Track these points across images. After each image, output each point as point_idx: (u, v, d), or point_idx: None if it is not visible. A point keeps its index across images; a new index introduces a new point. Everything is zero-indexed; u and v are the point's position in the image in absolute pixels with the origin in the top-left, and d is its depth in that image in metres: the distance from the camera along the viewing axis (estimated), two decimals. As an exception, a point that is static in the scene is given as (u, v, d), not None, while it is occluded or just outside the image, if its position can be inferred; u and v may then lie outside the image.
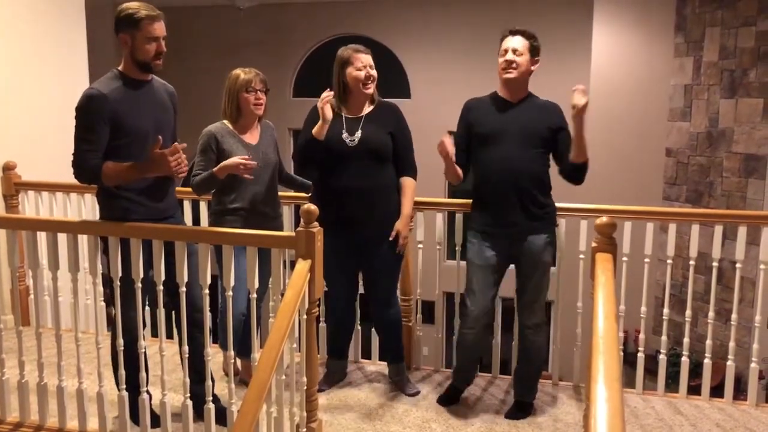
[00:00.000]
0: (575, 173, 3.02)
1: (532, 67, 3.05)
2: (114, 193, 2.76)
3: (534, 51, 3.05)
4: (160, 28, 2.69)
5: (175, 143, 2.64)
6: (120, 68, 2.75)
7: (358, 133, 3.15)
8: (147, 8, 2.68)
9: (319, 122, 3.07)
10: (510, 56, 3.01)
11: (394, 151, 3.21)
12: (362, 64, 3.16)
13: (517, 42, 3.02)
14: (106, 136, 2.66)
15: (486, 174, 3.09)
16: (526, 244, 3.06)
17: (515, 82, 3.05)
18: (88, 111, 2.64)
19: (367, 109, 3.24)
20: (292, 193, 3.64)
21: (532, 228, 3.05)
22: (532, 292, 3.12)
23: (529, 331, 3.16)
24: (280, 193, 3.38)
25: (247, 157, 3.00)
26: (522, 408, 3.21)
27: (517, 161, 3.00)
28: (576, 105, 2.84)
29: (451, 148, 2.98)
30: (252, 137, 3.23)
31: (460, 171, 3.13)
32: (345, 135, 3.15)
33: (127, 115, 2.68)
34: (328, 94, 3.05)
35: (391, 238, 3.18)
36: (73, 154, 2.68)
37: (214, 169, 3.04)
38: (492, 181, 3.06)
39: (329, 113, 3.05)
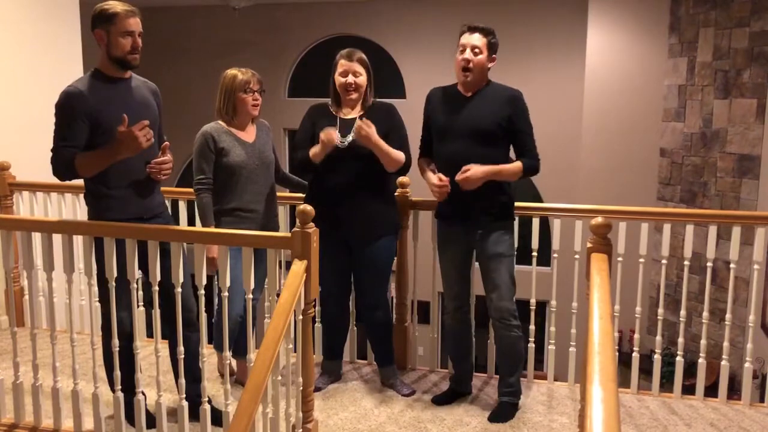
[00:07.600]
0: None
1: (489, 64, 3.04)
2: (101, 193, 2.76)
3: (492, 48, 3.03)
4: (135, 23, 2.68)
5: (144, 122, 2.59)
6: (97, 66, 2.75)
7: (350, 136, 3.16)
8: (122, 5, 2.68)
9: (319, 147, 3.09)
10: (468, 54, 2.99)
11: None
12: (344, 69, 3.17)
13: (476, 39, 3.00)
14: (84, 133, 2.66)
15: (440, 170, 3.09)
16: (480, 237, 3.07)
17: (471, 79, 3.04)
18: (67, 108, 2.64)
19: (362, 110, 3.24)
20: (287, 193, 3.64)
21: (485, 222, 3.06)
22: (489, 284, 3.12)
23: (497, 324, 3.15)
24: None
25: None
26: (503, 409, 3.16)
27: (464, 160, 2.95)
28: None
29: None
30: (248, 135, 3.23)
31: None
32: (337, 136, 3.16)
33: (106, 112, 2.67)
34: (332, 132, 3.07)
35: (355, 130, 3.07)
36: (51, 150, 2.68)
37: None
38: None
39: (329, 142, 3.07)
